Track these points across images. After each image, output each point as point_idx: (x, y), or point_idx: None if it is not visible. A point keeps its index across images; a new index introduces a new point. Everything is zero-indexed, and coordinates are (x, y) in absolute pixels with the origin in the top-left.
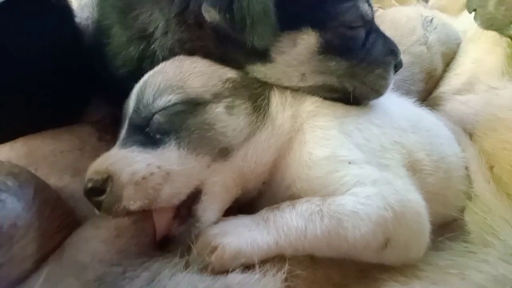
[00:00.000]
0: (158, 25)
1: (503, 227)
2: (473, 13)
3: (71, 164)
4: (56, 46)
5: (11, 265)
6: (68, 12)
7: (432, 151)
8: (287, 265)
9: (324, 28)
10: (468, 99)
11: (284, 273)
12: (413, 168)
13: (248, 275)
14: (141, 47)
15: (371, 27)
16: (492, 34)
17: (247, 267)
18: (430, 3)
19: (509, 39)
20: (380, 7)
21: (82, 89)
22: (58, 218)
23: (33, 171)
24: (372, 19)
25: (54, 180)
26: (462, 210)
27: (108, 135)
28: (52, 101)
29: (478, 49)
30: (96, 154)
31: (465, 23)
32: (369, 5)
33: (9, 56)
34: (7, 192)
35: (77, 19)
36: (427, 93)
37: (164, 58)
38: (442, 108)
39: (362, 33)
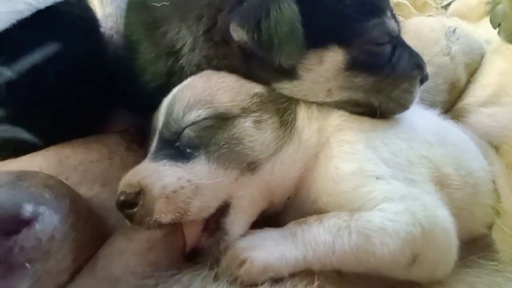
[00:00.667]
0: (186, 42)
1: None
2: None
3: (101, 174)
4: (83, 57)
5: (48, 278)
6: (93, 23)
7: (459, 165)
8: (316, 280)
9: (350, 45)
10: (494, 112)
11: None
12: (441, 183)
13: None
14: (169, 63)
15: (397, 42)
16: None
17: (276, 280)
18: (449, 10)
19: None
20: (399, 15)
21: (107, 99)
22: (90, 229)
23: (64, 181)
24: (399, 34)
25: (84, 189)
26: (490, 226)
27: (135, 144)
28: (79, 111)
29: (504, 61)
30: (124, 164)
31: (488, 33)
32: (396, 21)
33: (37, 69)
34: (45, 205)
35: (102, 29)
36: (451, 104)
37: (192, 74)
38: (466, 120)
39: (388, 48)
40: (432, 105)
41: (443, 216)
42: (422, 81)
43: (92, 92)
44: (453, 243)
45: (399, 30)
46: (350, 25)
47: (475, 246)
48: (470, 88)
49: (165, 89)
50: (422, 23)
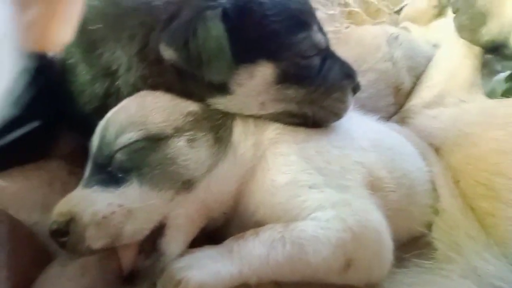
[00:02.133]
0: (121, 62)
1: (467, 243)
2: (451, 21)
3: (41, 200)
4: (23, 83)
5: None
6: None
7: (393, 168)
8: None
9: (279, 59)
10: (437, 114)
11: None
12: (375, 187)
13: None
14: (105, 84)
15: (326, 54)
16: (462, 48)
17: None
18: (401, 15)
19: (477, 51)
20: (352, 23)
21: (50, 124)
22: (31, 254)
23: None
24: (327, 46)
25: (24, 217)
26: (430, 225)
27: (78, 168)
28: (20, 139)
29: (449, 62)
30: (66, 189)
31: (437, 38)
32: (323, 33)
33: None
34: None
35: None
36: (399, 106)
37: (128, 94)
38: (412, 121)
39: (316, 61)
40: (374, 110)
41: (375, 220)
42: (354, 91)
43: (35, 117)
44: (387, 246)
45: (327, 42)
46: (278, 40)
47: (414, 246)
48: (417, 90)
49: (103, 111)
50: (365, 30)
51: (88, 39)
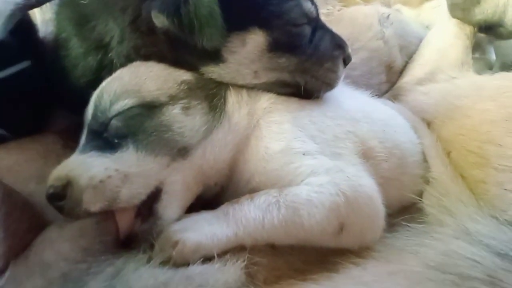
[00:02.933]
0: (114, 34)
1: (458, 207)
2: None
3: (36, 172)
4: (20, 62)
5: None
6: (29, 27)
7: (385, 138)
8: (247, 254)
9: (270, 27)
10: (429, 90)
11: (244, 261)
12: (367, 156)
13: (209, 265)
14: (98, 57)
15: (316, 24)
16: (453, 28)
17: (209, 259)
18: None
19: (468, 32)
20: (344, 6)
21: (45, 100)
22: (27, 219)
23: None
24: (317, 16)
25: (19, 188)
26: (420, 194)
27: (72, 142)
28: (15, 113)
29: (441, 42)
30: (60, 161)
31: (429, 19)
32: (312, 3)
33: None
34: None
35: (41, 34)
36: (391, 84)
37: (122, 66)
38: (404, 98)
39: (307, 30)
40: (367, 88)
41: (367, 185)
42: (345, 62)
43: (31, 94)
44: (379, 210)
45: (317, 12)
46: (269, 8)
47: (405, 212)
48: (409, 68)
49: (97, 84)
50: (357, 10)
51: (79, 12)
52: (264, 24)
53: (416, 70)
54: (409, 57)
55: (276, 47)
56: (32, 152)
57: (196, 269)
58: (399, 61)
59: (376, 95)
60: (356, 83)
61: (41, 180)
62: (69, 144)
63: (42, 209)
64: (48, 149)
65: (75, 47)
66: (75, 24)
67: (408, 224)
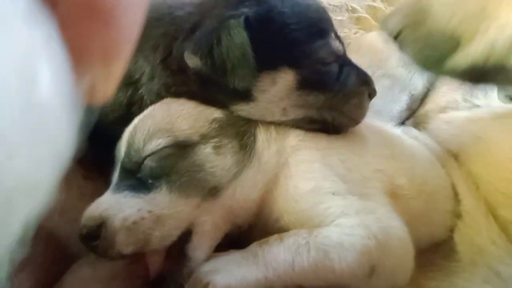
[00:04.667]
0: (144, 71)
1: (489, 248)
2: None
3: (58, 205)
4: None
5: None
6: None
7: (413, 175)
8: None
9: (299, 66)
10: (451, 118)
11: None
12: (395, 194)
13: None
14: (129, 93)
15: (343, 61)
16: None
17: None
18: None
19: None
20: (360, 29)
21: None
22: (52, 252)
23: None
24: (344, 53)
25: (43, 220)
26: (452, 230)
27: (92, 172)
28: None
29: None
30: (82, 193)
31: None
32: (340, 41)
33: None
34: None
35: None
36: (412, 111)
37: (152, 102)
38: (427, 126)
39: (335, 67)
40: (389, 116)
41: (397, 226)
42: (370, 96)
43: None
44: (409, 252)
45: (344, 50)
46: (298, 48)
47: (437, 249)
48: (431, 94)
49: (126, 119)
50: (376, 37)
51: None
52: (293, 63)
53: (438, 97)
54: (430, 83)
55: (304, 85)
56: None
57: None
58: (420, 88)
59: (398, 123)
60: (378, 111)
61: (64, 213)
62: (89, 175)
63: (65, 241)
64: (69, 180)
65: None
66: None
67: (442, 261)
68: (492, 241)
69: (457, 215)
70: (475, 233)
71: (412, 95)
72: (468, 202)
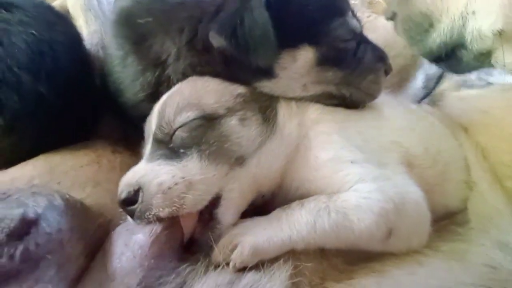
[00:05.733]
0: (171, 53)
1: (497, 218)
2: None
3: (91, 176)
4: (70, 71)
5: (68, 263)
6: (78, 39)
7: (428, 146)
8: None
9: (319, 44)
10: (465, 96)
11: (289, 268)
12: (411, 164)
13: (257, 274)
14: (157, 73)
15: (361, 39)
16: None
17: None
18: None
19: None
20: (373, 12)
21: (94, 108)
22: (91, 220)
23: (56, 185)
24: (361, 31)
25: (77, 191)
26: (466, 200)
27: (120, 147)
28: (68, 120)
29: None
30: (112, 166)
31: None
32: (357, 19)
33: (28, 80)
34: (41, 206)
35: (88, 45)
36: (428, 90)
37: (179, 81)
38: (441, 103)
39: (353, 44)
40: (405, 93)
41: (413, 192)
42: (386, 72)
43: (80, 102)
44: (426, 216)
45: (361, 28)
46: (317, 26)
47: (453, 218)
48: (447, 75)
49: (154, 97)
50: None
51: (136, 32)
52: (313, 41)
53: (454, 76)
54: None
55: (323, 61)
56: (85, 158)
57: (244, 279)
58: (434, 67)
59: (415, 101)
60: (394, 90)
61: (96, 184)
62: (117, 149)
63: (98, 210)
64: (99, 155)
65: (134, 64)
66: (133, 43)
67: (455, 227)
68: (498, 211)
69: (469, 186)
70: (482, 203)
71: (427, 74)
72: (475, 173)
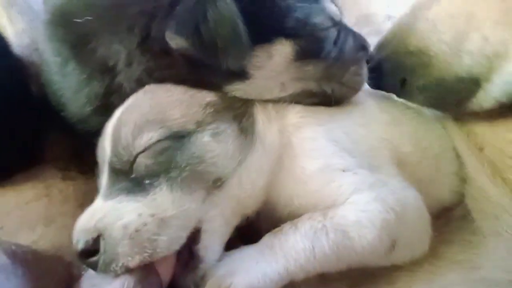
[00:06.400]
0: (120, 57)
1: (502, 215)
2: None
3: (41, 213)
4: None
5: None
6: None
7: (417, 139)
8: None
9: (296, 36)
10: None
11: None
12: (403, 162)
13: None
14: (105, 82)
15: (340, 26)
16: None
17: None
18: None
19: None
20: None
21: (34, 126)
22: (49, 271)
23: None
24: (341, 18)
25: (26, 234)
26: (463, 195)
27: (72, 172)
28: (2, 148)
29: None
30: (65, 197)
31: None
32: (336, 5)
33: None
34: None
35: (17, 48)
36: None
37: (133, 90)
38: None
39: (333, 33)
40: None
41: (412, 196)
42: (368, 62)
43: (15, 121)
44: (426, 219)
45: (341, 14)
46: (293, 15)
47: (450, 219)
48: None
49: (105, 110)
50: None
51: (75, 33)
52: (289, 33)
53: None
54: None
55: (303, 55)
56: (31, 192)
57: None
58: None
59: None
60: None
61: (48, 222)
62: (68, 175)
63: (56, 252)
64: (48, 185)
65: (75, 72)
66: (72, 47)
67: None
68: (502, 206)
69: (463, 179)
70: (483, 199)
71: None
72: (471, 166)
